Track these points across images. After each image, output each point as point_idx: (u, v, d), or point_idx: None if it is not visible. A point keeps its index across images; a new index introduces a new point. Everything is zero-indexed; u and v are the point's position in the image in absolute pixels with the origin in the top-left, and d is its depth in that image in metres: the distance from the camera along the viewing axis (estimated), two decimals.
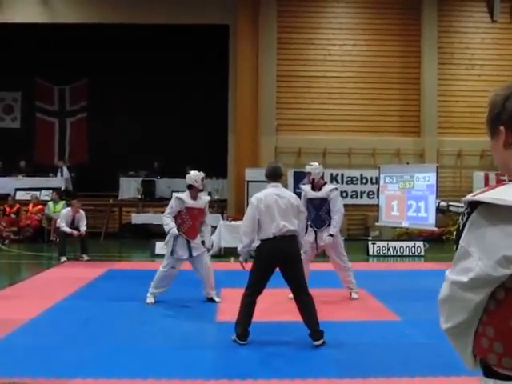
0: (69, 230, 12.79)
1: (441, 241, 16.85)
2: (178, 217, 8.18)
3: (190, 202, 8.17)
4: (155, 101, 19.79)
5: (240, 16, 18.12)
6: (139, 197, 18.52)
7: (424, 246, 14.47)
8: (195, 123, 19.67)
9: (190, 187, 8.23)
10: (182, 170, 18.86)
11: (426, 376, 5.11)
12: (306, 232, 8.34)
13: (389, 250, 14.36)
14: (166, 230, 8.18)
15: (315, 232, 8.33)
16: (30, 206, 17.20)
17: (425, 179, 14.33)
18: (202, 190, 8.45)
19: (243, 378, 5.06)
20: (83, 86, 21.39)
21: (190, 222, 8.18)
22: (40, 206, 17.11)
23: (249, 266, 6.34)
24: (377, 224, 16.22)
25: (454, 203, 16.75)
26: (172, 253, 8.13)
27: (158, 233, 17.15)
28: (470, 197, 1.64)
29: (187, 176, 8.33)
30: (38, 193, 17.83)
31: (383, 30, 18.58)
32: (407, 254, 14.28)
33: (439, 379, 5.00)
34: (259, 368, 5.40)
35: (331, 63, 18.62)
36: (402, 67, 18.70)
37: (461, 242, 1.65)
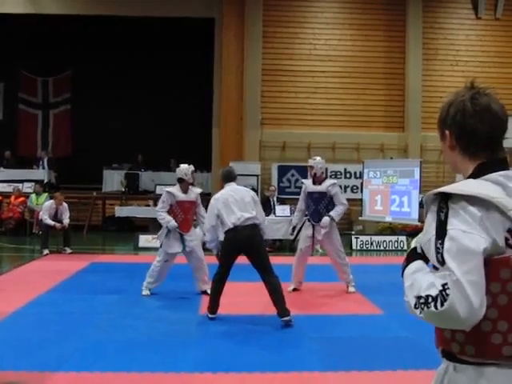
0: (52, 222, 12.70)
1: None
2: (169, 211, 8.19)
3: (181, 196, 8.19)
4: (139, 93, 19.67)
5: (225, 9, 18.07)
6: (123, 190, 18.43)
7: (407, 240, 14.56)
8: (180, 116, 19.59)
9: (180, 181, 8.25)
10: (166, 163, 18.87)
11: (407, 369, 5.16)
12: (303, 226, 8.42)
13: (372, 244, 14.44)
14: (164, 224, 8.18)
15: (313, 226, 8.35)
16: (12, 198, 17.04)
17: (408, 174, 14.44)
18: (192, 184, 8.45)
19: (227, 372, 5.07)
20: (67, 77, 21.19)
21: (182, 216, 8.20)
22: (22, 198, 16.96)
23: None
24: (360, 218, 16.32)
25: None
26: (161, 246, 8.17)
27: (142, 226, 17.24)
28: (439, 190, 1.79)
29: (177, 170, 8.36)
30: (20, 185, 17.66)
31: (368, 25, 18.62)
32: (390, 248, 14.37)
33: (421, 372, 5.03)
34: (243, 361, 5.40)
35: (316, 58, 18.63)
36: (386, 62, 18.76)
37: (449, 227, 1.74)
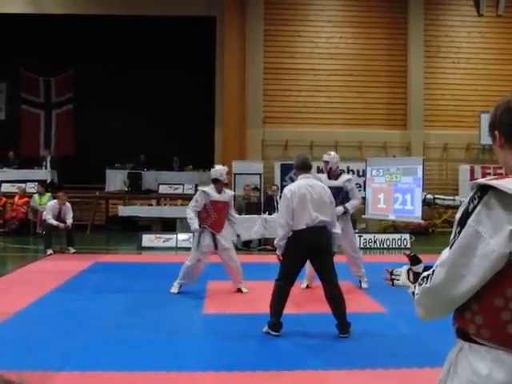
0: (55, 222, 12.71)
1: (427, 233, 16.96)
2: (202, 210, 8.26)
3: (216, 196, 8.27)
4: (141, 93, 19.64)
5: (227, 8, 18.05)
6: (126, 189, 18.42)
7: (410, 238, 14.55)
8: (182, 115, 19.56)
9: (215, 181, 8.34)
10: (168, 162, 18.87)
11: (411, 367, 5.15)
12: None
13: (375, 242, 14.45)
14: (189, 223, 8.31)
15: None
16: (16, 199, 17.07)
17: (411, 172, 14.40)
18: (226, 184, 8.55)
19: (230, 370, 5.07)
20: (69, 77, 21.19)
21: (216, 216, 8.26)
22: (26, 199, 16.99)
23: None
24: (363, 217, 16.25)
25: (439, 196, 16.87)
26: (198, 246, 8.26)
27: (145, 225, 17.24)
28: (483, 181, 1.84)
29: (212, 170, 8.49)
30: (23, 185, 17.68)
31: (370, 22, 18.60)
32: (393, 246, 14.37)
33: (425, 370, 5.03)
34: (245, 360, 5.40)
35: (318, 56, 18.63)
36: (388, 60, 18.74)
37: (470, 221, 1.82)
